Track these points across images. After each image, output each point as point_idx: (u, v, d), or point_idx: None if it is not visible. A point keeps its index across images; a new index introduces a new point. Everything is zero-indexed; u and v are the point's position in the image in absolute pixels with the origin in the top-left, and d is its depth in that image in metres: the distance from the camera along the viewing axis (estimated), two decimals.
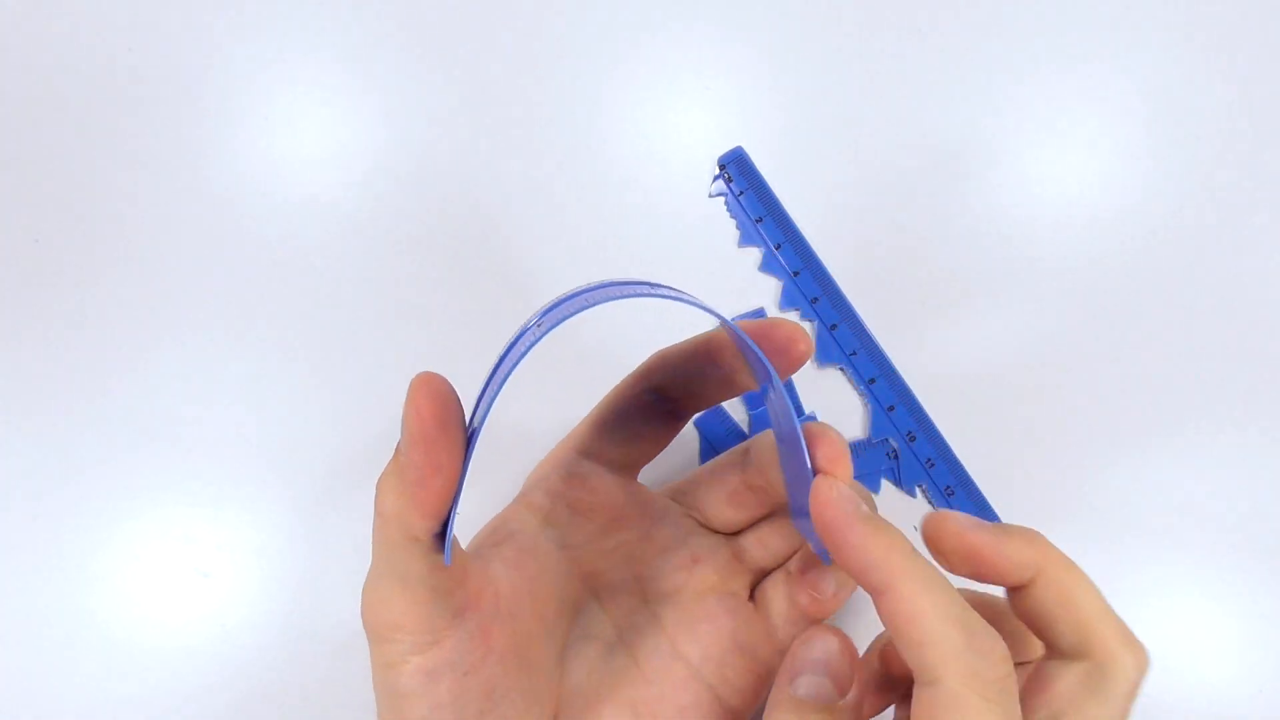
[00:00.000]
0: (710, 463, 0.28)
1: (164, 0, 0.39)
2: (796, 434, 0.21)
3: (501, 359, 0.20)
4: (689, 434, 0.35)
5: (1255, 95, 0.38)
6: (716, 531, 0.27)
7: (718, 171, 0.37)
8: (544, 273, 0.36)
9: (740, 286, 0.36)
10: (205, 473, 0.34)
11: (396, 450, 0.20)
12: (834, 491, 0.20)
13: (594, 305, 0.20)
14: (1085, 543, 0.34)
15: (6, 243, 0.36)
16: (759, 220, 0.37)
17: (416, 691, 0.21)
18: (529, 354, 0.19)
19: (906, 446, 0.35)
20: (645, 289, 0.20)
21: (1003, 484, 0.35)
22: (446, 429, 0.19)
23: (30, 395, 0.35)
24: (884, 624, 0.19)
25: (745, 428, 0.35)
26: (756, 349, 0.21)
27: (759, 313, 0.36)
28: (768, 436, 0.26)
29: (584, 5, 0.39)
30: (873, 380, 0.35)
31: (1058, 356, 0.36)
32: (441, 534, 0.20)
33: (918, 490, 0.35)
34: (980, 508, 0.34)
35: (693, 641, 0.25)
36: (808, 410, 0.35)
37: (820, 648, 0.20)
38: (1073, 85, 0.39)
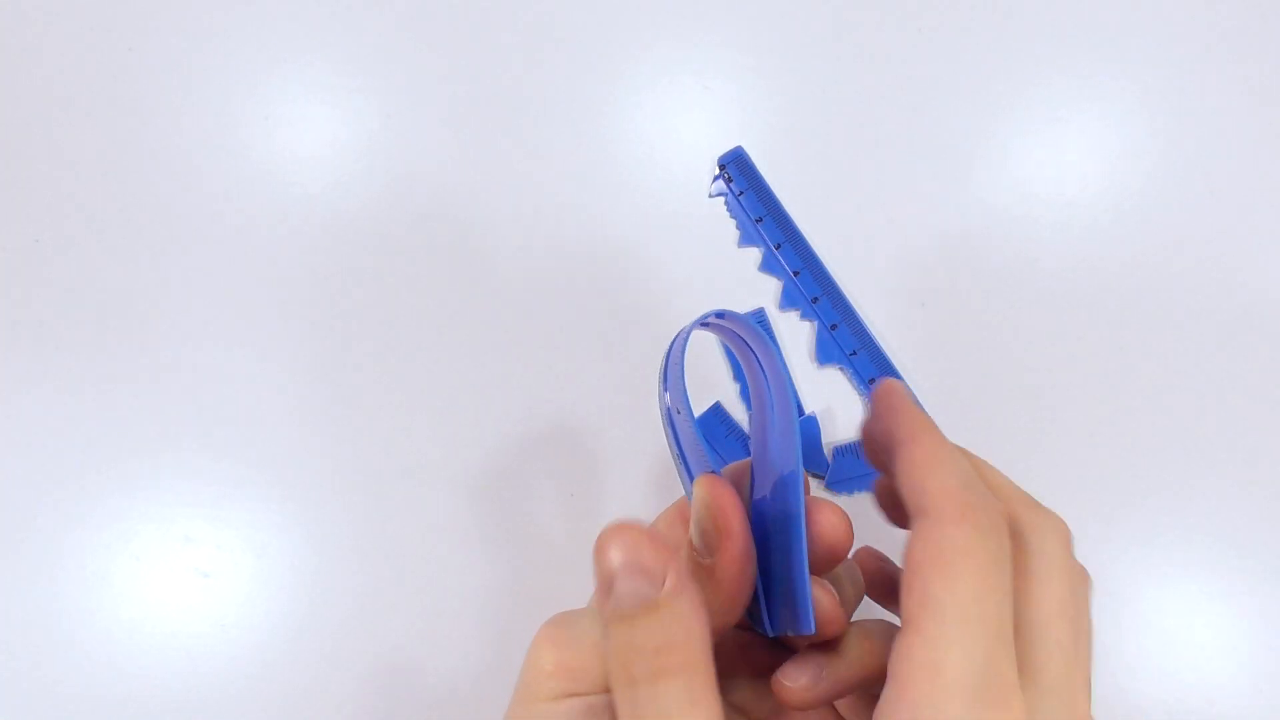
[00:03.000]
0: None
1: (164, 0, 0.39)
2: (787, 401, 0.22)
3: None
4: None
5: (1257, 95, 0.38)
6: None
7: (718, 171, 0.37)
8: (543, 273, 0.36)
9: (740, 286, 0.36)
10: (205, 473, 0.34)
11: (693, 550, 0.21)
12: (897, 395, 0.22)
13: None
14: (1084, 541, 0.34)
15: (6, 243, 0.36)
16: (759, 220, 0.37)
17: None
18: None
19: None
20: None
21: None
22: (745, 525, 0.20)
23: (30, 396, 0.35)
24: (899, 476, 0.21)
25: (745, 428, 0.35)
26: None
27: (759, 312, 0.36)
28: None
29: (584, 6, 0.39)
30: (873, 380, 0.35)
31: (1058, 356, 0.36)
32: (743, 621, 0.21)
33: None
34: None
35: None
36: (808, 410, 0.35)
37: (615, 552, 0.19)
38: (1073, 84, 0.39)
